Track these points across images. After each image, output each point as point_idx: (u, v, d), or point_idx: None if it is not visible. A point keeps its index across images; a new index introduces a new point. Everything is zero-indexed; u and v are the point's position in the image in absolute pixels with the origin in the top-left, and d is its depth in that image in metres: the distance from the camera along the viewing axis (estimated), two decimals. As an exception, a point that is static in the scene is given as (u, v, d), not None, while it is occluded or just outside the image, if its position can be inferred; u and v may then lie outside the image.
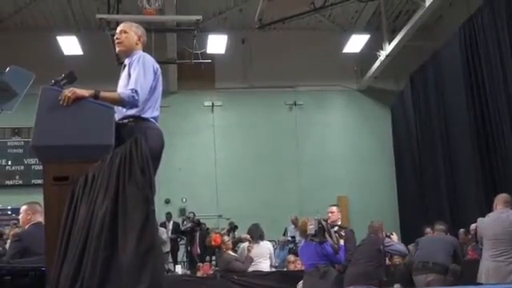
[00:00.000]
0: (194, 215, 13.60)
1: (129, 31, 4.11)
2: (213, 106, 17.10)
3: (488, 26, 11.26)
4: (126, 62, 4.05)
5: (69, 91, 3.48)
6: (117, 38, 4.12)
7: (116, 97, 3.74)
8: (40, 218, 5.19)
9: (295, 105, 17.26)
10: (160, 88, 4.01)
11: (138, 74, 3.81)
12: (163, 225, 13.61)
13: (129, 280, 2.82)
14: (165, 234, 13.09)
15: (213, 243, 10.99)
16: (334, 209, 7.57)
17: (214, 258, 11.79)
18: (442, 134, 13.54)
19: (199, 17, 13.13)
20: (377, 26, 16.24)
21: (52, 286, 2.99)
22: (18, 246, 5.03)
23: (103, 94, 3.64)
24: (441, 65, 13.60)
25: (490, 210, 10.53)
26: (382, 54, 15.40)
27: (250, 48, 16.83)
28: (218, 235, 11.10)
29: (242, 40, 16.80)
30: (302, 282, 7.46)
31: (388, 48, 15.17)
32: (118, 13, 13.13)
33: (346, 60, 16.70)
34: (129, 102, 3.73)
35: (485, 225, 6.59)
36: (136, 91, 3.72)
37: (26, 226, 5.36)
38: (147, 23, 13.12)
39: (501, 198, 6.73)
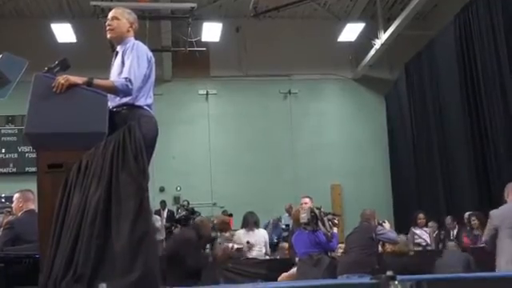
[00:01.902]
0: (188, 203, 13.60)
1: (121, 18, 4.08)
2: (207, 94, 17.06)
3: (483, 15, 11.26)
4: (119, 49, 4.03)
5: (62, 78, 3.47)
6: (108, 25, 4.08)
7: (110, 85, 3.73)
8: (32, 206, 5.20)
9: (290, 93, 17.25)
10: (153, 76, 4.00)
11: (132, 63, 3.80)
12: (158, 213, 13.60)
13: (122, 267, 2.82)
14: (159, 221, 13.10)
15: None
16: (307, 200, 7.60)
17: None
18: (436, 123, 13.57)
19: (194, 4, 13.10)
20: (372, 14, 16.20)
21: (46, 274, 2.99)
22: (10, 234, 5.04)
23: (97, 81, 3.63)
24: (435, 54, 13.61)
25: (483, 195, 10.74)
26: (377, 43, 15.37)
27: (244, 36, 16.77)
28: (230, 218, 11.95)
29: (237, 28, 16.74)
30: (285, 273, 7.53)
31: (383, 37, 15.14)
32: (112, 0, 13.07)
33: (340, 49, 16.67)
34: (122, 91, 3.72)
35: (503, 213, 6.27)
36: (130, 80, 3.71)
37: (19, 214, 5.36)
38: (141, 10, 13.08)
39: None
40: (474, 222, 9.43)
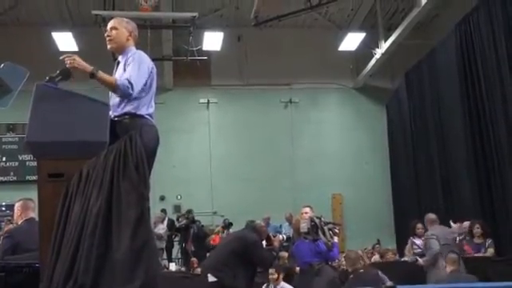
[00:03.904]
0: (191, 212, 13.60)
1: (119, 27, 4.07)
2: (208, 103, 17.08)
3: (483, 24, 11.26)
4: (121, 59, 4.03)
5: (72, 58, 3.57)
6: (107, 36, 4.07)
7: (112, 81, 3.72)
8: (32, 214, 5.18)
9: (291, 102, 17.26)
10: (155, 85, 4.01)
11: (133, 69, 3.81)
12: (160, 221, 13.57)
13: (123, 276, 2.82)
14: (164, 229, 13.09)
15: (212, 243, 11.82)
16: (308, 209, 7.55)
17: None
18: (436, 132, 13.55)
19: (195, 14, 13.13)
20: (372, 24, 16.23)
21: (46, 283, 2.98)
22: (9, 243, 5.01)
23: (101, 74, 3.64)
24: (436, 63, 13.61)
25: (484, 204, 10.80)
26: (378, 52, 15.40)
27: (245, 45, 16.81)
28: (217, 236, 12.17)
29: (238, 37, 16.78)
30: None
31: (384, 46, 15.17)
32: (113, 9, 13.12)
33: (341, 58, 16.71)
34: (123, 91, 3.71)
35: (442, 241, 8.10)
36: (131, 83, 3.70)
37: (19, 222, 5.35)
38: (143, 20, 13.11)
39: (429, 219, 8.75)
40: (478, 230, 9.38)
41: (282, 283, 7.62)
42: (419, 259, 8.61)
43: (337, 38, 16.10)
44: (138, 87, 3.76)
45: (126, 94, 3.74)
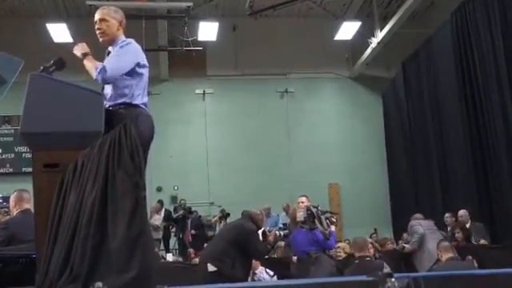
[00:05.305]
0: (185, 202, 13.62)
1: (109, 19, 4.01)
2: (204, 93, 17.06)
3: (479, 12, 11.26)
4: (111, 49, 4.00)
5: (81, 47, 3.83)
6: (98, 29, 4.01)
7: (92, 66, 3.75)
8: (27, 205, 5.17)
9: (286, 92, 17.25)
10: (147, 74, 3.99)
11: (113, 55, 3.85)
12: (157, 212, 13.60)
13: (118, 266, 2.81)
14: (159, 220, 13.11)
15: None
16: (304, 199, 7.56)
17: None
18: (433, 121, 13.57)
19: (190, 3, 13.09)
20: (368, 12, 16.21)
21: (42, 273, 2.98)
22: (4, 234, 5.01)
23: (88, 58, 3.80)
24: (432, 52, 13.61)
25: (480, 190, 10.87)
26: (374, 41, 15.38)
27: (241, 35, 16.77)
28: None
29: (233, 27, 16.75)
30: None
31: (380, 35, 15.15)
32: (108, -1, 13.04)
33: (337, 47, 16.68)
34: (97, 75, 3.72)
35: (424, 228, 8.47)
36: (104, 68, 3.69)
37: (14, 214, 5.35)
38: (138, 10, 13.06)
39: (414, 217, 9.16)
40: (459, 234, 9.43)
41: (260, 268, 7.63)
42: (406, 245, 8.63)
43: (332, 27, 16.06)
44: (114, 71, 3.74)
45: (99, 79, 3.74)
